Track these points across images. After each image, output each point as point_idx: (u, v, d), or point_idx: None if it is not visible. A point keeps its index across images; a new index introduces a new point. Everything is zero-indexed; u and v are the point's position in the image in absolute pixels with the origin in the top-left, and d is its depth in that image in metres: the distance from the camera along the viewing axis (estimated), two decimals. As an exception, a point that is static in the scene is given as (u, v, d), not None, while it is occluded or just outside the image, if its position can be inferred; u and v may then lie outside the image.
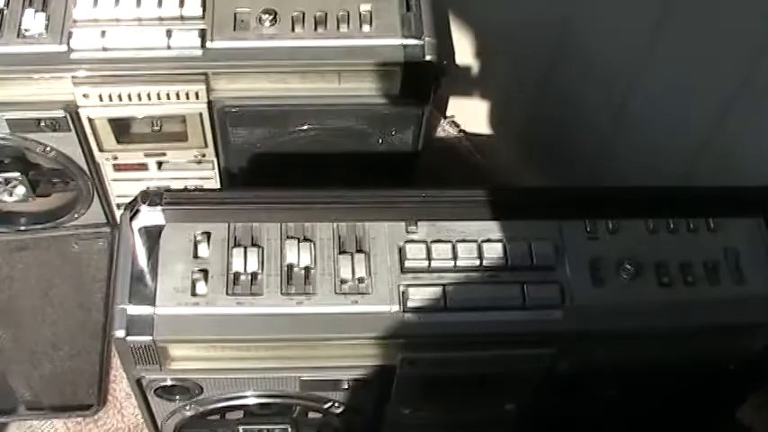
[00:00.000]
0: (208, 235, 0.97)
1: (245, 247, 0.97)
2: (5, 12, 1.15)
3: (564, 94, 1.36)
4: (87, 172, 1.28)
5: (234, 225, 0.97)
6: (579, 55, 1.30)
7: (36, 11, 1.15)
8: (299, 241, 0.98)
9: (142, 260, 0.95)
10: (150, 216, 0.91)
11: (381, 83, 1.18)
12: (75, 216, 1.36)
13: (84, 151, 1.24)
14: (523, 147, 1.48)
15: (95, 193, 1.32)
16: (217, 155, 1.27)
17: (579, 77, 1.32)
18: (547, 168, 1.45)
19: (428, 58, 1.15)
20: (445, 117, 1.57)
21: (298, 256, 0.97)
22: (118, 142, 1.24)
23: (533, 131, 1.45)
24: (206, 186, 1.32)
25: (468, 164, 1.54)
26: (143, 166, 1.29)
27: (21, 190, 1.30)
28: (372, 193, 0.96)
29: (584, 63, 1.30)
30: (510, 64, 1.43)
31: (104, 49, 1.13)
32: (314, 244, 0.98)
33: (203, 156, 1.26)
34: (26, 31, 1.14)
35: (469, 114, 1.55)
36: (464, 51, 1.44)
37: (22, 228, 1.39)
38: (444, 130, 1.54)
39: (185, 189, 0.95)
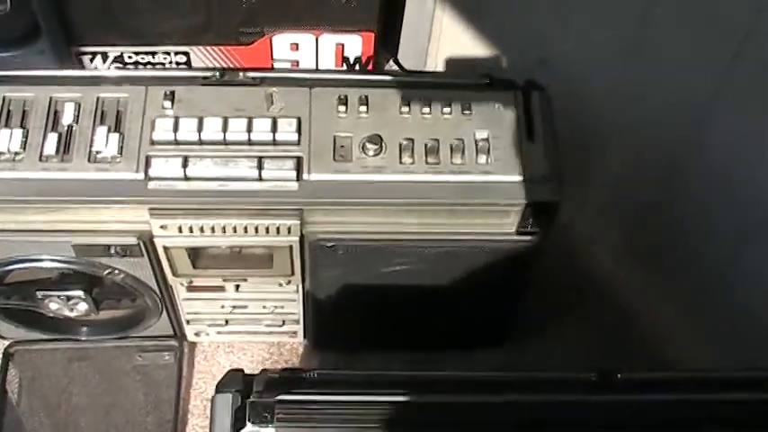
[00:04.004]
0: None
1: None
2: (74, 128, 1.01)
3: (686, 202, 1.22)
4: (157, 291, 1.15)
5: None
6: (708, 165, 1.16)
7: (109, 130, 1.01)
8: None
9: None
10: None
11: (497, 220, 1.04)
12: (140, 329, 1.24)
13: (155, 274, 1.11)
14: (635, 251, 1.34)
15: (164, 309, 1.20)
16: (303, 280, 1.14)
17: (708, 191, 1.18)
18: (660, 277, 1.31)
19: (553, 198, 1.01)
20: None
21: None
22: (194, 267, 1.11)
23: (647, 235, 1.31)
24: (287, 308, 1.20)
25: (573, 261, 1.40)
26: (220, 288, 1.16)
27: (83, 306, 1.17)
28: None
29: (714, 175, 1.16)
30: (625, 164, 1.28)
31: (187, 179, 0.99)
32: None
33: (288, 282, 1.14)
34: (98, 153, 1.00)
35: (577, 209, 1.41)
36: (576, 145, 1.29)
37: (83, 338, 1.26)
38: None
39: (295, 388, 0.82)
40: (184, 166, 0.99)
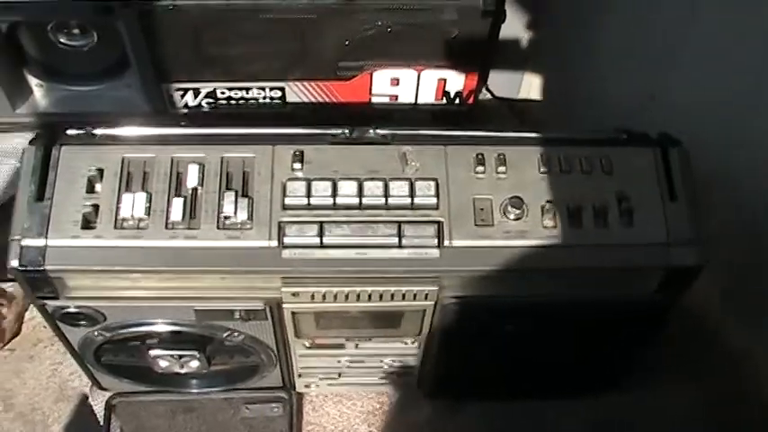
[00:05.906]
0: None
1: None
2: (200, 192, 0.97)
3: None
4: (275, 350, 1.11)
5: None
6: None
7: (237, 194, 0.96)
8: None
9: None
10: None
11: (635, 281, 1.01)
12: (251, 383, 1.20)
13: (275, 335, 1.07)
14: (744, 298, 1.30)
15: (278, 364, 1.16)
16: (428, 337, 1.10)
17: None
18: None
19: (696, 262, 0.97)
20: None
21: None
22: (318, 328, 1.07)
23: (757, 282, 1.27)
24: (405, 362, 1.16)
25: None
26: (340, 346, 1.12)
27: (195, 364, 1.13)
28: None
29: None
30: (735, 209, 1.24)
31: (323, 246, 0.95)
32: None
33: (413, 342, 1.10)
34: (227, 218, 0.96)
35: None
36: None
37: (194, 391, 1.22)
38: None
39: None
40: (320, 233, 0.95)
